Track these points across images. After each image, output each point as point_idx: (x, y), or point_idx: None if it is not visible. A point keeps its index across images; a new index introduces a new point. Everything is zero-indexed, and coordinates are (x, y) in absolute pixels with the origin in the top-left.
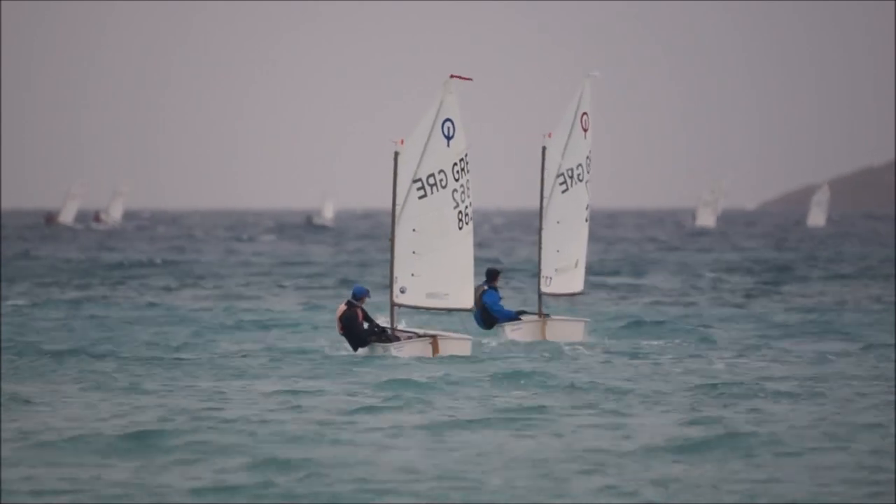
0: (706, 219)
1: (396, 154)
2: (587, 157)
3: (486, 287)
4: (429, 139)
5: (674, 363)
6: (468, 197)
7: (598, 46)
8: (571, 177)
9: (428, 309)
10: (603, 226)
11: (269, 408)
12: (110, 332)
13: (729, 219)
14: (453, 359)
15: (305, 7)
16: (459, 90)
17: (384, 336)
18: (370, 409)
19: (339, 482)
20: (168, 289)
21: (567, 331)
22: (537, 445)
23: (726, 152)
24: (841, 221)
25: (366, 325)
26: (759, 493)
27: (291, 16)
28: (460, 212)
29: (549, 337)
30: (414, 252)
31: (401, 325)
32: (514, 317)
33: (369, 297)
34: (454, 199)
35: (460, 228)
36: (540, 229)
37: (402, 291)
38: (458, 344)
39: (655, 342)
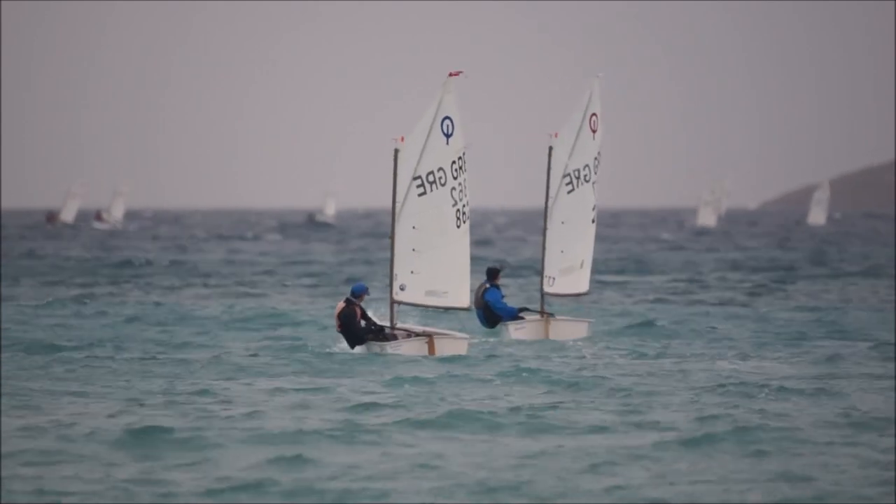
0: (707, 218)
1: (396, 151)
2: (595, 158)
3: (487, 285)
4: (428, 137)
5: (679, 362)
6: (466, 195)
7: (598, 46)
8: (578, 177)
9: (426, 307)
10: (605, 225)
11: (273, 406)
12: (114, 331)
13: (731, 218)
14: (454, 357)
15: (305, 7)
16: (459, 89)
17: (381, 334)
18: (375, 406)
19: (343, 481)
20: (172, 287)
21: (571, 330)
22: (544, 444)
23: (726, 152)
24: (843, 220)
25: (363, 324)
26: (770, 490)
27: (291, 16)
28: (458, 210)
29: (552, 336)
30: (414, 249)
31: (406, 324)
32: (517, 314)
33: (368, 294)
34: (453, 196)
35: (458, 227)
36: (544, 229)
37: (402, 289)
38: (454, 343)
39: (660, 341)
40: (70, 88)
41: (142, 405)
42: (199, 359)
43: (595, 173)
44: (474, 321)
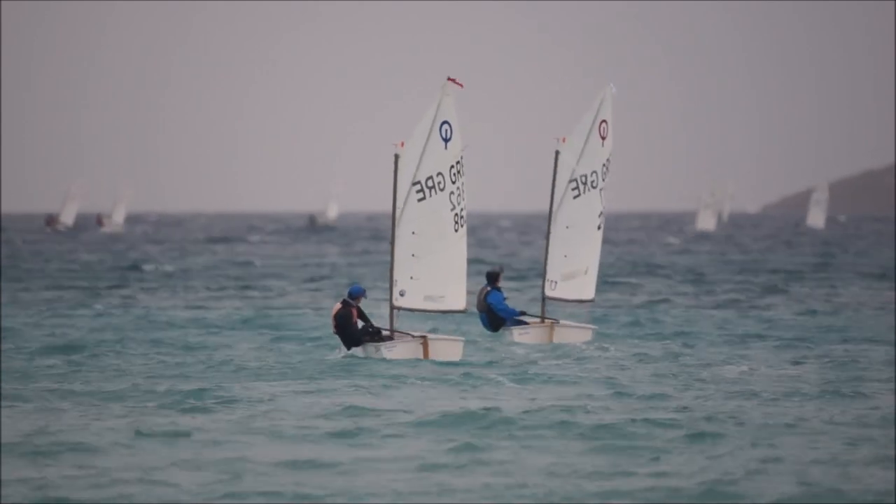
0: (706, 222)
1: (397, 157)
2: (604, 165)
3: (489, 288)
4: (427, 142)
5: (682, 364)
6: (463, 199)
7: (598, 46)
8: (585, 183)
9: (424, 311)
10: (607, 228)
11: (274, 406)
12: (117, 333)
13: (733, 222)
14: (453, 360)
15: (305, 7)
16: (458, 90)
17: (377, 336)
18: (376, 406)
19: (346, 481)
20: (175, 290)
21: (574, 336)
22: (544, 444)
23: (726, 153)
24: (847, 224)
25: (360, 325)
26: (775, 490)
27: (291, 16)
28: (456, 214)
29: (556, 341)
30: (413, 255)
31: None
32: (519, 316)
33: (365, 297)
34: (451, 201)
35: (456, 231)
36: (548, 233)
37: (402, 294)
38: (449, 345)
39: (663, 343)
40: (70, 88)
41: (146, 406)
42: (203, 360)
43: (603, 180)
44: (472, 324)
